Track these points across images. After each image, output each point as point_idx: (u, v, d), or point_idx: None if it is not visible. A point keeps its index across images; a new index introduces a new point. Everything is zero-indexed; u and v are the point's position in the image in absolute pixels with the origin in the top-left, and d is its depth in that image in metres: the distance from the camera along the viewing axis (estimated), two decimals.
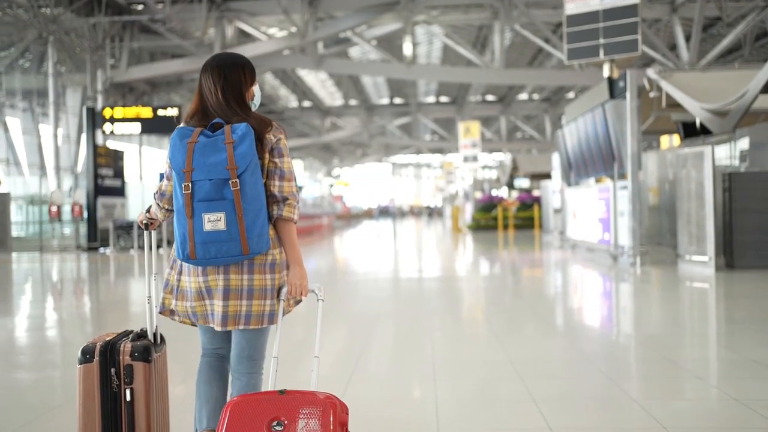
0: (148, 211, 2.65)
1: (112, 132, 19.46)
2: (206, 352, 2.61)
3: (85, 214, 18.73)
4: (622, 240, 11.74)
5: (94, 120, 18.89)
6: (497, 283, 10.33)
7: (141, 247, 16.48)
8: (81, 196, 19.27)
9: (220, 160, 2.26)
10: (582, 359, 4.89)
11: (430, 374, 4.40)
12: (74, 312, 8.00)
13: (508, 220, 25.32)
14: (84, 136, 21.43)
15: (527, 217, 26.03)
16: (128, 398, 2.51)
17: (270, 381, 2.37)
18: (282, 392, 2.20)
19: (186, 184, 2.26)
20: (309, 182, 62.33)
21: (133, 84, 27.39)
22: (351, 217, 57.76)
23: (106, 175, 19.18)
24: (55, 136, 23.92)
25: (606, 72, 12.41)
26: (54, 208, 19.22)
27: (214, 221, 2.25)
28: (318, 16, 25.36)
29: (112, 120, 19.08)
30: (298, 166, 44.12)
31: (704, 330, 6.22)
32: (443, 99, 47.10)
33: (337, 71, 31.98)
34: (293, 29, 24.77)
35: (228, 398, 2.52)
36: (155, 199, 2.55)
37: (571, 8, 12.43)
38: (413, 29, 28.55)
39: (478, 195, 30.92)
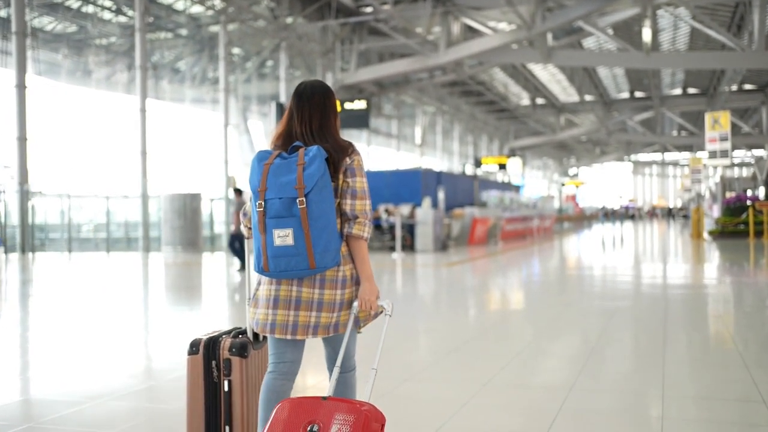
0: None
1: None
2: (271, 366, 2.66)
3: None
4: None
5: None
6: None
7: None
8: None
9: (290, 180, 2.45)
10: None
11: None
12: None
13: (762, 225, 21.69)
14: None
15: None
16: (226, 389, 2.84)
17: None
18: (325, 398, 2.37)
19: (260, 202, 2.47)
20: (528, 181, 59.79)
21: (362, 86, 28.19)
22: (583, 219, 54.78)
23: None
24: None
25: None
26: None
27: (282, 237, 2.45)
28: (546, 6, 24.03)
29: None
30: (515, 164, 42.88)
31: None
32: (691, 90, 42.97)
33: (567, 63, 30.35)
34: (520, 21, 23.68)
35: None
36: (241, 218, 2.80)
37: None
38: (654, 13, 25.99)
39: (728, 195, 27.25)
